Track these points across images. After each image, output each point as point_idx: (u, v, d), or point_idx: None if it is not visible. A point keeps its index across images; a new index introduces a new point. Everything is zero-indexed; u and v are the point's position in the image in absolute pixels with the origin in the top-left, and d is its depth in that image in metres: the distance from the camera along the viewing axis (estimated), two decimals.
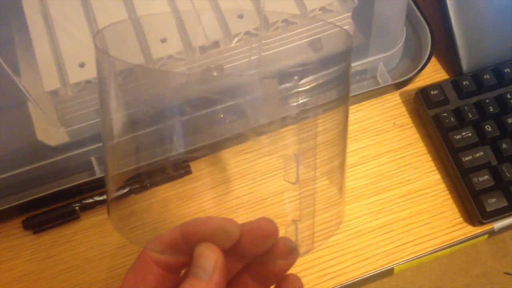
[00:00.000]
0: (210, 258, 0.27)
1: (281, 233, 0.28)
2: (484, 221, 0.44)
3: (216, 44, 0.43)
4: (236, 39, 0.43)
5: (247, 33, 0.43)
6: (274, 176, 0.48)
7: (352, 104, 0.51)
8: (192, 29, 0.43)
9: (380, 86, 0.50)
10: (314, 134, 0.35)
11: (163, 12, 0.43)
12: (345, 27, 0.48)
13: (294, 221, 0.33)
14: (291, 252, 0.29)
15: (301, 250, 0.31)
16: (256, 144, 0.44)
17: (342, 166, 0.35)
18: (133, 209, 0.48)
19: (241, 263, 0.30)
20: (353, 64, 0.51)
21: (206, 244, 0.27)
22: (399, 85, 0.51)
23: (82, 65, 0.41)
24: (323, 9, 0.45)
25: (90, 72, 0.41)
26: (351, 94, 0.50)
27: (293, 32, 0.45)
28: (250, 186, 0.48)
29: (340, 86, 0.36)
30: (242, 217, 0.45)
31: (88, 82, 0.41)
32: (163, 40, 0.42)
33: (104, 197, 0.46)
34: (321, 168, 0.34)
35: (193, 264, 0.27)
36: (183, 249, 0.28)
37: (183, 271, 0.31)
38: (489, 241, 0.96)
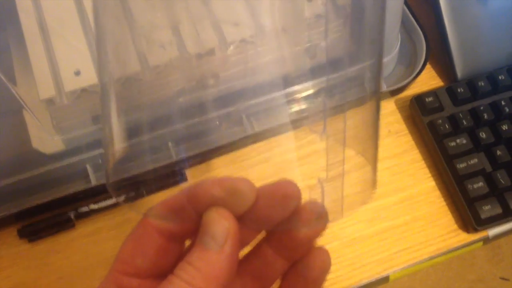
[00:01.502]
0: (221, 226, 0.23)
1: (305, 197, 0.25)
2: (479, 228, 0.44)
3: (211, 51, 0.43)
4: (231, 47, 0.44)
5: (242, 41, 0.44)
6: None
7: (346, 110, 0.51)
8: (188, 36, 0.43)
9: None
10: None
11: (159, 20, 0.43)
12: (338, 35, 0.48)
13: (320, 180, 0.28)
14: (318, 217, 0.25)
15: (330, 217, 0.26)
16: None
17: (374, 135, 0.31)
18: (127, 217, 0.48)
19: (258, 231, 0.26)
20: (346, 71, 0.51)
21: (217, 209, 0.23)
22: (394, 92, 0.51)
23: (77, 73, 0.41)
24: (317, 16, 0.45)
25: (86, 80, 0.41)
26: (344, 102, 0.50)
27: (289, 40, 0.45)
28: None
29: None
30: None
31: (83, 90, 0.41)
32: (161, 46, 0.42)
33: (100, 205, 0.46)
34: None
35: (201, 231, 0.23)
36: (190, 214, 0.24)
37: (187, 243, 0.27)
38: (485, 246, 0.97)
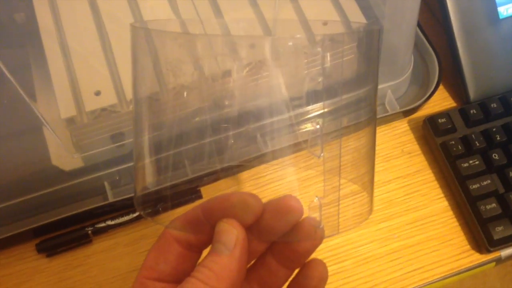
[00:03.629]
0: (231, 233, 0.26)
1: (306, 214, 0.28)
2: (492, 249, 0.45)
3: (228, 73, 0.44)
4: (248, 68, 0.45)
5: (259, 62, 0.44)
6: None
7: (360, 130, 0.52)
8: (205, 59, 0.44)
9: (388, 114, 0.51)
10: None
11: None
12: (352, 56, 0.49)
13: (318, 198, 0.31)
14: (316, 232, 0.28)
15: (326, 232, 0.29)
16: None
17: (371, 159, 0.34)
18: (143, 233, 0.48)
19: (264, 243, 0.30)
20: (360, 91, 0.52)
21: (227, 220, 0.27)
22: (407, 113, 0.52)
23: (97, 93, 0.42)
24: (332, 40, 0.46)
25: (106, 100, 0.42)
26: (359, 120, 0.51)
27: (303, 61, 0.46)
28: None
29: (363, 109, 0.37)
30: None
31: (103, 109, 0.42)
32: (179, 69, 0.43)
33: (117, 221, 0.47)
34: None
35: (214, 239, 0.27)
36: (205, 226, 0.28)
37: (205, 251, 0.30)
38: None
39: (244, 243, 0.27)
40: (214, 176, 0.49)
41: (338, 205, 0.31)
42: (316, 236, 0.28)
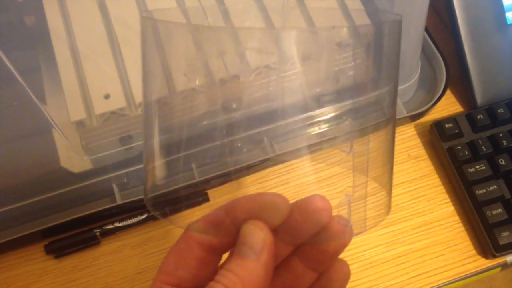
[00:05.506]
0: (258, 237, 0.25)
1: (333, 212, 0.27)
2: (497, 254, 0.45)
3: (236, 77, 0.45)
4: (255, 73, 0.45)
5: (266, 67, 0.45)
6: None
7: (367, 135, 0.52)
8: (214, 63, 0.44)
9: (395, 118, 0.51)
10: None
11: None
12: (359, 61, 0.49)
13: (347, 196, 0.30)
14: (345, 231, 0.26)
15: (354, 230, 0.28)
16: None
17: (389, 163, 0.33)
18: (151, 235, 0.49)
19: (291, 245, 0.28)
20: (368, 96, 0.52)
21: (254, 221, 0.25)
22: (414, 117, 0.52)
23: (107, 96, 0.43)
24: (339, 44, 0.46)
25: (115, 104, 0.43)
26: (365, 126, 0.51)
27: (311, 66, 0.47)
28: None
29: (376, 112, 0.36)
30: None
31: (112, 113, 0.43)
32: (185, 74, 0.44)
33: (124, 223, 0.48)
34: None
35: (239, 242, 0.25)
36: (228, 228, 0.26)
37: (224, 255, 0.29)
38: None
39: (271, 247, 0.25)
40: (222, 179, 0.50)
41: (365, 202, 0.30)
42: (345, 235, 0.27)
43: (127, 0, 0.48)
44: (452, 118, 0.50)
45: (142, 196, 0.47)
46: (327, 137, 0.51)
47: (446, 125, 0.49)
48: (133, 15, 0.47)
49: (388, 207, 0.31)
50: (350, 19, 0.48)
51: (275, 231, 0.26)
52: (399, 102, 0.52)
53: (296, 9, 0.48)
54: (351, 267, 0.46)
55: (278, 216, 0.25)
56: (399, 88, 0.52)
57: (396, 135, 0.52)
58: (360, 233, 0.29)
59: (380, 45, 0.42)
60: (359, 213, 0.30)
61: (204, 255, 0.27)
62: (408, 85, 0.52)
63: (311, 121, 0.51)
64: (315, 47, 0.46)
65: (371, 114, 0.53)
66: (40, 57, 0.50)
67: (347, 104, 0.50)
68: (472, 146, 0.48)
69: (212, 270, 0.28)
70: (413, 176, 0.50)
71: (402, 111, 0.52)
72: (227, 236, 0.27)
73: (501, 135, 0.48)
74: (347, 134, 0.48)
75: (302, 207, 0.25)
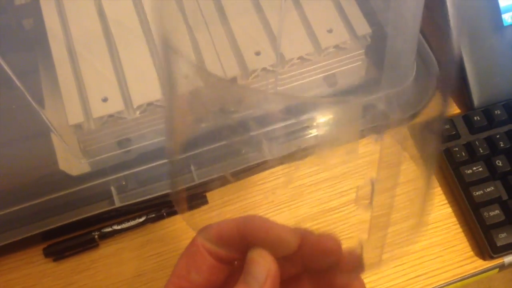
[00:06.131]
0: (262, 267, 0.25)
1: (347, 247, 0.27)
2: (495, 256, 0.45)
3: (234, 80, 0.45)
4: (253, 75, 0.45)
5: (263, 69, 0.45)
6: (288, 208, 0.49)
7: (362, 138, 0.52)
8: (211, 66, 0.44)
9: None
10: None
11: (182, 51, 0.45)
12: (357, 63, 0.49)
13: (360, 241, 0.29)
14: (355, 267, 0.27)
15: (366, 267, 0.28)
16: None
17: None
18: (149, 237, 0.49)
19: (299, 268, 0.28)
20: (365, 98, 0.52)
21: (260, 252, 0.26)
22: (410, 118, 0.52)
23: (105, 99, 0.43)
24: (336, 47, 0.46)
25: (113, 107, 0.43)
26: (361, 128, 0.51)
27: (308, 68, 0.47)
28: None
29: None
30: None
31: (110, 116, 0.43)
32: (186, 77, 0.44)
33: (123, 225, 0.48)
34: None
35: (245, 269, 0.26)
36: (238, 244, 0.27)
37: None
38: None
39: (275, 277, 0.26)
40: (220, 181, 0.50)
41: (383, 244, 0.30)
42: (355, 272, 0.27)
43: (125, 3, 0.48)
44: (449, 120, 0.50)
45: (141, 199, 0.47)
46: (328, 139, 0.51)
47: (443, 127, 0.49)
48: (131, 18, 0.47)
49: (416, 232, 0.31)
50: (346, 21, 0.48)
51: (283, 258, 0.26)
52: (395, 103, 0.52)
53: (293, 11, 0.48)
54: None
55: (285, 251, 0.26)
56: (395, 89, 0.52)
57: (391, 135, 0.52)
58: (374, 269, 0.28)
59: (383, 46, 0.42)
60: (375, 249, 0.29)
61: (214, 262, 0.28)
62: (404, 87, 0.52)
63: (309, 124, 0.51)
64: (312, 48, 0.46)
65: (376, 115, 0.53)
66: (38, 59, 0.50)
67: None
68: (469, 147, 0.48)
69: (224, 276, 0.28)
70: (409, 177, 0.50)
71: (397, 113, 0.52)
72: (235, 253, 0.27)
73: (498, 136, 0.48)
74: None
75: (311, 244, 0.26)
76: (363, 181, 0.30)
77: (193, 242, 0.28)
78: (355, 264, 0.27)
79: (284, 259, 0.26)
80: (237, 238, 0.27)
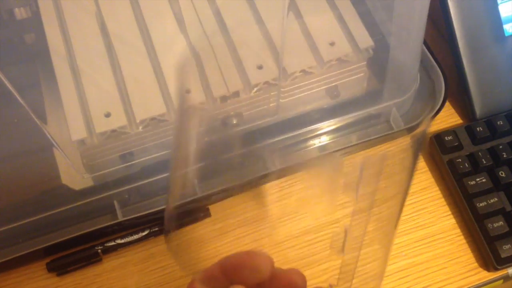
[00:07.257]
0: None
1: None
2: (499, 267, 0.45)
3: (236, 94, 0.45)
4: (255, 89, 0.45)
5: (266, 83, 0.45)
6: (291, 220, 0.49)
7: (366, 148, 0.52)
8: (214, 80, 0.44)
9: (393, 131, 0.51)
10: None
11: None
12: (360, 75, 0.49)
13: (330, 285, 0.33)
14: None
15: None
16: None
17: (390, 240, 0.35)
18: (152, 251, 0.49)
19: None
20: (367, 110, 0.52)
21: (237, 287, 0.28)
22: (412, 129, 0.52)
23: (107, 115, 0.43)
24: (339, 59, 0.46)
25: (116, 122, 0.43)
26: (365, 139, 0.51)
27: (311, 81, 0.47)
28: (268, 229, 0.49)
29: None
30: None
31: (113, 131, 0.43)
32: (188, 91, 0.44)
33: (126, 239, 0.48)
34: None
35: None
36: (222, 283, 0.29)
37: None
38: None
39: None
40: (223, 195, 0.50)
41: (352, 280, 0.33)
42: None
43: (127, 17, 0.48)
44: (452, 131, 0.50)
45: (143, 213, 0.47)
46: (329, 151, 0.51)
47: (446, 138, 0.49)
48: (133, 33, 0.47)
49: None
50: (348, 34, 0.48)
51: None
52: (397, 115, 0.52)
53: (295, 24, 0.48)
54: (352, 281, 0.46)
55: (257, 278, 0.28)
56: (398, 100, 0.52)
57: (394, 147, 0.52)
58: None
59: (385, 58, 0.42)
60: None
61: None
62: (407, 97, 0.52)
63: (312, 135, 0.51)
64: (314, 61, 0.46)
65: (374, 126, 0.53)
66: (40, 74, 0.51)
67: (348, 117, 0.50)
68: (472, 158, 0.48)
69: None
70: (414, 188, 0.50)
71: (400, 124, 0.52)
72: None
73: (501, 147, 0.48)
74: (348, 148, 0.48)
75: (280, 277, 0.29)
76: (338, 228, 0.32)
77: (191, 283, 0.30)
78: None
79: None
80: (221, 278, 0.29)
